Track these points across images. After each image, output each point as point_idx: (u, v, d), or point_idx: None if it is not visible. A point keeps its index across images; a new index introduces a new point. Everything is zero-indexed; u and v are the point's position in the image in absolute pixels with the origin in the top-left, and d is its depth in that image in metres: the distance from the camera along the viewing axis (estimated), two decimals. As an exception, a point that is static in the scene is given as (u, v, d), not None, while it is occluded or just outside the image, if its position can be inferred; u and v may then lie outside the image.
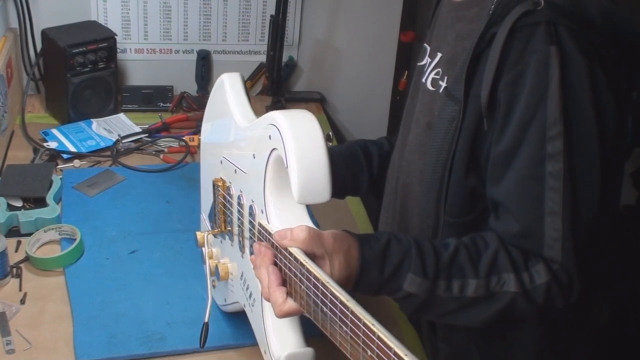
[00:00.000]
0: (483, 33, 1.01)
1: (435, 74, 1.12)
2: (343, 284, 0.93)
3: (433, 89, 1.12)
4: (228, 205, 1.16)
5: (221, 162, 1.19)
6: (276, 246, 0.96)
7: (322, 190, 0.93)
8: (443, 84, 1.09)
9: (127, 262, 1.43)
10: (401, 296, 1.00)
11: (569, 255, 0.99)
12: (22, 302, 1.31)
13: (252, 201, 1.06)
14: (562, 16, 0.97)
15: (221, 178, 1.19)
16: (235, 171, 1.12)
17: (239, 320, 1.25)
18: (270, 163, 1.00)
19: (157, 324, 1.27)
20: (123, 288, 1.35)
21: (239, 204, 1.11)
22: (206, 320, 1.13)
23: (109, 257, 1.44)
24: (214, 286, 1.25)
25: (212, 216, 1.25)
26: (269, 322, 1.02)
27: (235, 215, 1.13)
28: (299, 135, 0.94)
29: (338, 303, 0.80)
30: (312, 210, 1.59)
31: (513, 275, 0.99)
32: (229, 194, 1.15)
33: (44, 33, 1.91)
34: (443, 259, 0.99)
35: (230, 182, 1.15)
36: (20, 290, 1.34)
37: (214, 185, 1.21)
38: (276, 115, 0.98)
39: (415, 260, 0.98)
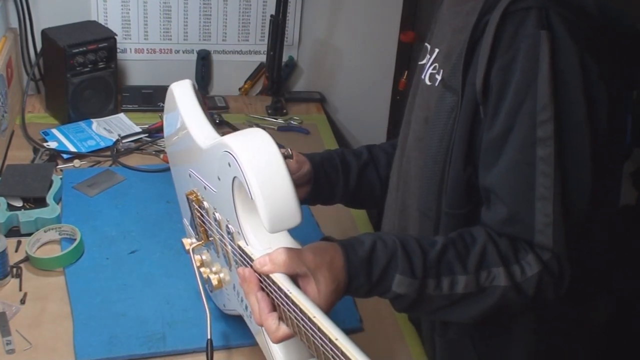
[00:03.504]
0: (477, 21, 1.01)
1: (433, 69, 1.13)
2: (332, 295, 0.94)
3: (430, 83, 1.13)
4: (205, 218, 1.14)
5: (190, 176, 1.16)
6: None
7: (291, 215, 0.91)
8: (439, 77, 1.10)
9: (127, 262, 1.43)
10: (391, 297, 1.00)
11: (560, 241, 0.99)
12: (22, 302, 1.31)
13: (228, 221, 1.04)
14: (555, 2, 0.97)
15: (193, 191, 1.16)
16: (205, 188, 1.10)
17: (239, 320, 1.24)
18: (236, 189, 0.98)
19: (157, 324, 1.27)
20: (123, 288, 1.35)
21: (215, 220, 1.09)
22: (209, 337, 1.12)
23: (109, 257, 1.44)
24: (210, 291, 1.25)
25: (193, 225, 1.23)
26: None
27: (214, 227, 1.11)
28: (257, 163, 0.91)
29: (327, 341, 0.79)
30: (312, 210, 1.60)
31: (502, 269, 0.99)
32: (203, 209, 1.13)
33: (44, 33, 1.91)
34: (430, 257, 0.99)
35: (202, 197, 1.13)
36: (20, 290, 1.34)
37: (187, 199, 1.18)
38: (230, 143, 0.95)
39: (402, 261, 0.98)
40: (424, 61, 1.18)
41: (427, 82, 1.14)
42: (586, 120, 0.97)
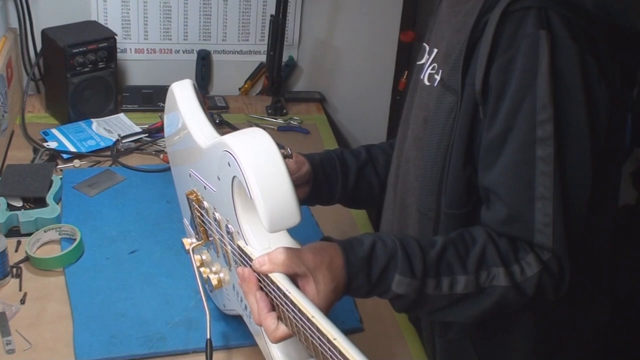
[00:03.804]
0: (477, 21, 1.02)
1: (432, 69, 1.13)
2: (331, 295, 0.94)
3: (429, 83, 1.13)
4: (205, 218, 1.14)
5: (190, 176, 1.16)
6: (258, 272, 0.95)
7: (291, 215, 0.91)
8: (438, 77, 1.10)
9: (127, 262, 1.42)
10: (391, 297, 1.00)
11: (559, 240, 0.99)
12: (22, 302, 1.31)
13: (227, 220, 1.04)
14: (554, 2, 0.97)
15: (193, 191, 1.16)
16: (205, 187, 1.10)
17: (239, 320, 1.24)
18: (235, 188, 0.98)
19: (157, 324, 1.27)
20: (123, 288, 1.35)
21: (215, 220, 1.09)
22: (208, 336, 1.12)
23: (109, 257, 1.44)
24: (210, 291, 1.24)
25: (193, 225, 1.23)
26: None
27: (214, 227, 1.11)
28: (257, 163, 0.91)
29: (325, 341, 0.79)
30: (312, 210, 1.60)
31: (502, 269, 0.99)
32: (203, 208, 1.13)
33: (44, 33, 1.91)
34: (430, 257, 0.99)
35: (202, 197, 1.13)
36: (20, 290, 1.34)
37: (187, 198, 1.18)
38: (229, 142, 0.95)
39: (401, 261, 0.98)
40: (422, 61, 1.18)
41: (426, 82, 1.14)
42: (586, 119, 0.97)
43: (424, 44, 1.21)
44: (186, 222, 1.30)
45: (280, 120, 2.08)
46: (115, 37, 1.94)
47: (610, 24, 1.01)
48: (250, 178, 0.90)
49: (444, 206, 1.09)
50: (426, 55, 1.17)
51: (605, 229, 1.11)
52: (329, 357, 0.79)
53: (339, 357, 0.76)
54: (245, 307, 1.09)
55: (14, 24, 1.97)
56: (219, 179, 1.02)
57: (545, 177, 0.97)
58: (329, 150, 1.34)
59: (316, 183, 1.26)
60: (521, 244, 1.01)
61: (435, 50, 1.14)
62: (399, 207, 1.22)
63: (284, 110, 2.12)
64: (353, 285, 0.97)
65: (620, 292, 1.31)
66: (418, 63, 1.20)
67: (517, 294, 1.00)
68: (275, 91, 2.14)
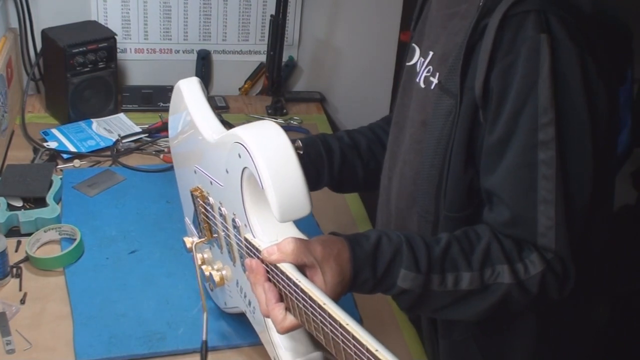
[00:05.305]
0: (475, 25, 1.02)
1: (427, 72, 1.13)
2: (338, 288, 0.94)
3: (424, 86, 1.13)
4: (210, 214, 1.14)
5: (195, 172, 1.16)
6: (266, 263, 0.95)
7: (302, 205, 0.92)
8: (435, 81, 1.10)
9: (127, 262, 1.43)
10: (396, 293, 1.00)
11: (563, 243, 0.99)
12: (22, 302, 1.31)
13: (234, 214, 1.04)
14: (553, 4, 0.98)
15: (198, 187, 1.16)
16: (211, 183, 1.10)
17: (239, 320, 1.25)
18: (245, 180, 0.98)
19: (157, 324, 1.27)
20: (123, 288, 1.35)
21: (221, 215, 1.09)
22: (204, 338, 1.11)
23: (109, 257, 1.44)
24: (211, 289, 1.24)
25: (196, 223, 1.23)
26: (274, 329, 1.01)
27: (219, 223, 1.11)
28: (268, 153, 0.92)
29: (338, 327, 0.79)
30: (312, 209, 1.59)
31: (507, 267, 0.99)
32: (208, 204, 1.13)
33: (44, 33, 1.91)
34: (435, 253, 0.99)
35: (208, 192, 1.13)
36: (20, 290, 1.34)
37: (192, 195, 1.18)
38: (241, 133, 0.95)
39: (407, 256, 0.98)
40: (413, 62, 1.18)
41: (422, 84, 1.14)
42: (587, 122, 0.98)
43: (413, 44, 1.21)
44: (188, 220, 1.30)
45: (280, 120, 2.08)
46: (115, 37, 1.94)
47: (605, 24, 1.02)
48: (262, 168, 0.91)
49: (444, 209, 1.09)
50: (419, 57, 1.17)
51: (604, 229, 1.12)
52: (340, 342, 0.79)
53: (352, 341, 0.77)
54: (249, 303, 1.09)
55: (14, 24, 1.97)
56: (227, 172, 1.02)
57: (547, 181, 0.97)
58: (311, 136, 1.34)
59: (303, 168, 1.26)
60: (525, 243, 1.01)
61: (431, 53, 1.13)
62: (395, 210, 1.22)
63: (284, 110, 2.12)
64: (359, 280, 0.97)
65: (620, 292, 1.31)
66: (408, 64, 1.20)
67: (521, 292, 1.00)
68: (275, 91, 2.14)
